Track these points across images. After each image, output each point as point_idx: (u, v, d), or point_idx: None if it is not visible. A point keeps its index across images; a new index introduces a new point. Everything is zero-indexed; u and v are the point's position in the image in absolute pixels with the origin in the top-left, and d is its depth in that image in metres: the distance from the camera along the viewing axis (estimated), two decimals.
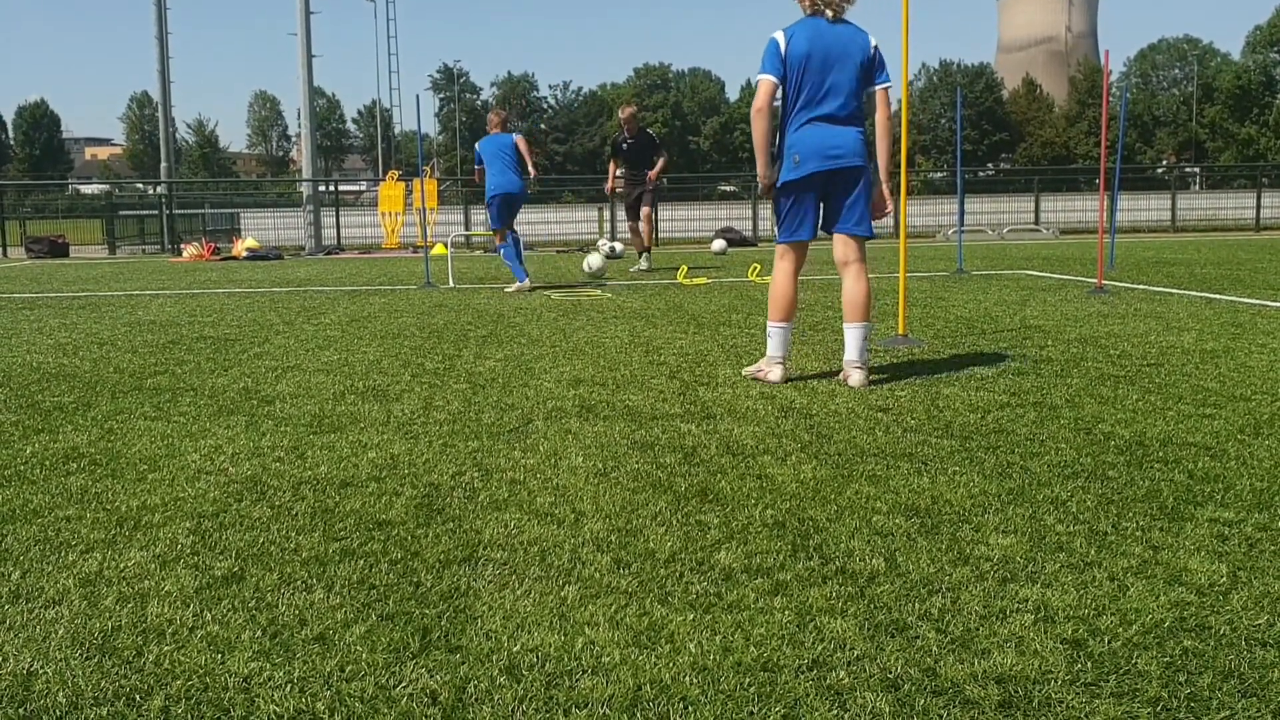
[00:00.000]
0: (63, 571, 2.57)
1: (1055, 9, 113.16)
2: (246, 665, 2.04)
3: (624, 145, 13.59)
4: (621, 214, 25.91)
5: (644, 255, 13.77)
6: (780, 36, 4.91)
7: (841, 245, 5.07)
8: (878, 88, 4.99)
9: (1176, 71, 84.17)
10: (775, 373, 5.03)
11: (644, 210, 13.64)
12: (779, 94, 4.96)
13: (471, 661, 2.03)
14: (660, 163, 13.60)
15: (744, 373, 5.23)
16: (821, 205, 5.03)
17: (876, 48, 4.97)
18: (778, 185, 5.02)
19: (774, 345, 5.07)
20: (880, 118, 5.01)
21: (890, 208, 5.17)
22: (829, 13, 4.92)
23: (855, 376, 4.87)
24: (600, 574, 2.48)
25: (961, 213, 13.37)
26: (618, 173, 13.77)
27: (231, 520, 2.96)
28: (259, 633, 2.19)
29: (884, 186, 5.09)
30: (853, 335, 4.93)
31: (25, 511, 3.07)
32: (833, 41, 4.87)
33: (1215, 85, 74.65)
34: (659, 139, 13.77)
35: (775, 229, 5.19)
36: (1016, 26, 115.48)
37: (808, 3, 4.95)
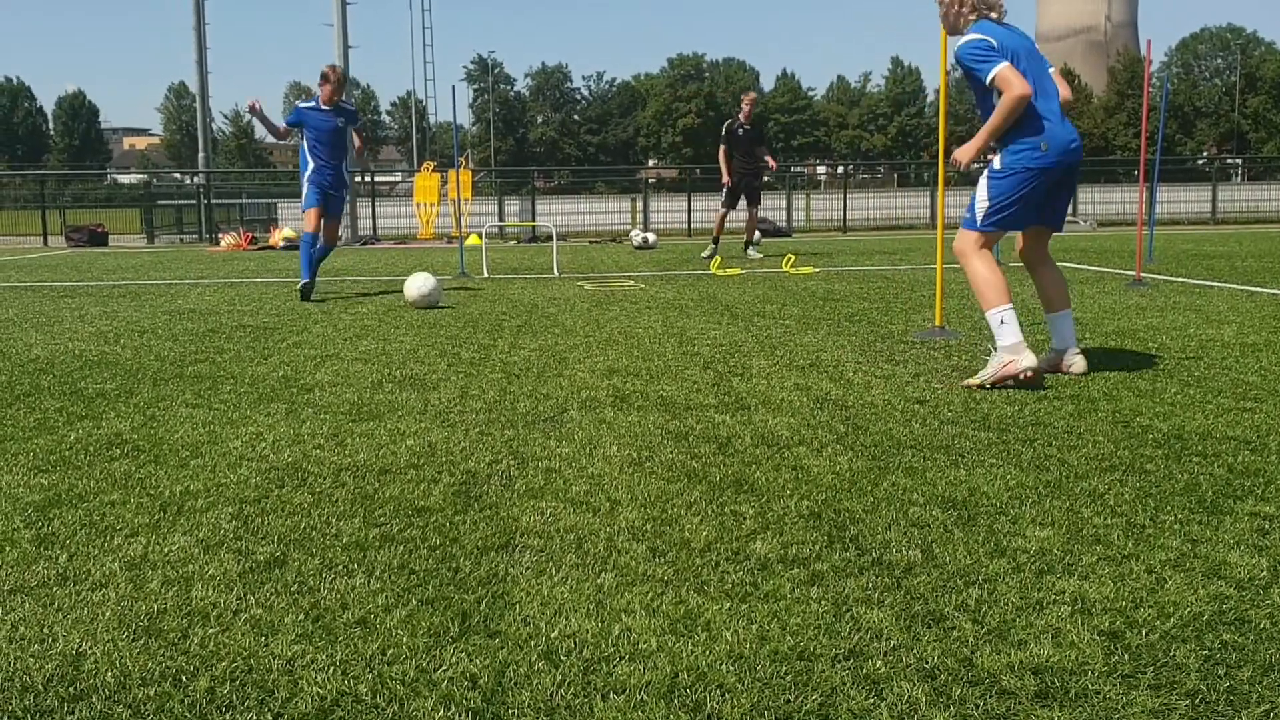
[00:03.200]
0: (108, 555, 2.61)
1: None
2: (290, 648, 2.07)
3: (739, 131, 13.75)
4: (657, 203, 25.94)
5: (750, 245, 14.22)
6: (988, 36, 4.72)
7: (1040, 237, 5.05)
8: (1052, 70, 4.89)
9: (1219, 61, 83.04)
10: (1027, 358, 4.52)
11: (754, 209, 14.10)
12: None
13: (510, 646, 2.06)
14: (768, 150, 14.18)
15: (980, 380, 4.60)
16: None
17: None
18: (1025, 169, 4.72)
19: (1010, 331, 4.61)
20: (1066, 97, 4.84)
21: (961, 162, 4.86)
22: (994, 15, 4.86)
23: (1079, 363, 4.81)
24: (636, 562, 2.50)
25: None
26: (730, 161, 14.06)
27: (273, 506, 3.00)
28: (301, 616, 2.22)
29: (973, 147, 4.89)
30: (1065, 322, 4.92)
31: (70, 496, 3.12)
32: (1020, 39, 4.82)
33: (1259, 75, 73.59)
34: (767, 123, 14.33)
35: (977, 214, 4.84)
36: (1055, 16, 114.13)
37: (972, 10, 4.85)
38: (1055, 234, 5.04)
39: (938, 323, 6.31)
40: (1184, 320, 6.64)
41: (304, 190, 9.55)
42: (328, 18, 23.17)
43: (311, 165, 9.48)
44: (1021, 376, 4.53)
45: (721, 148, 13.98)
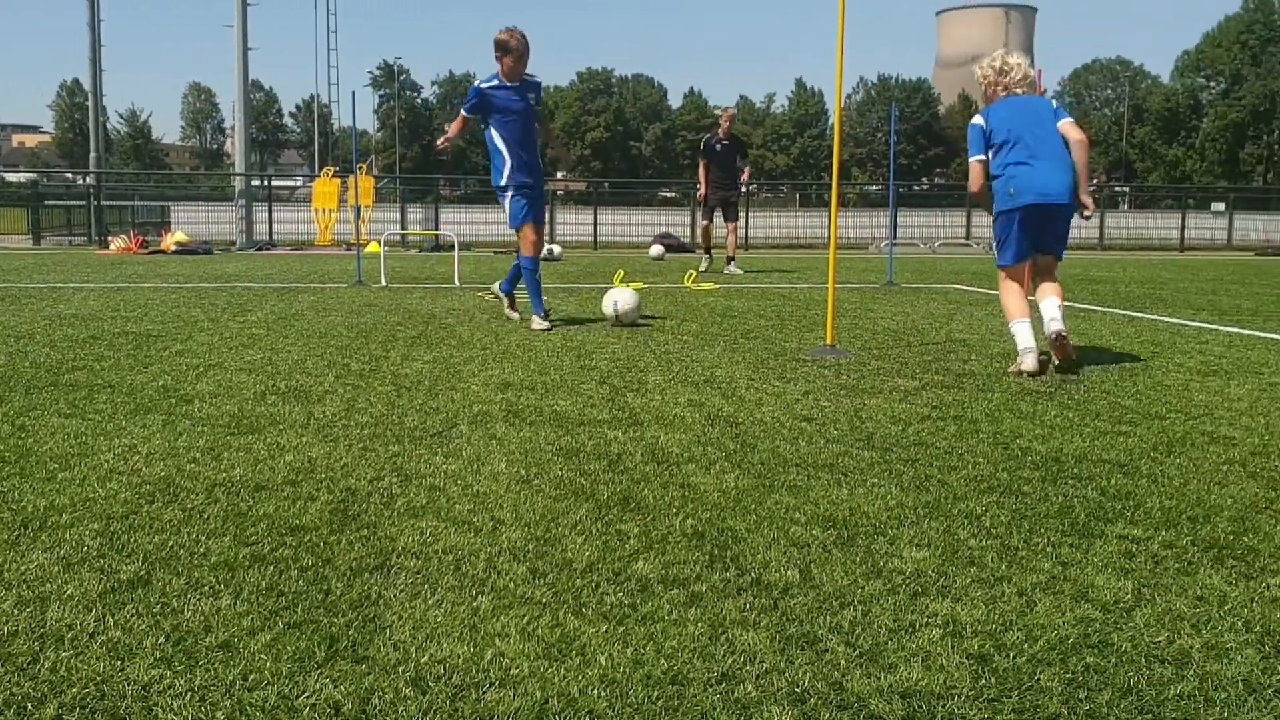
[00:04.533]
0: None
1: (993, 27, 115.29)
2: (147, 673, 1.99)
3: (717, 147, 13.98)
4: (564, 216, 25.90)
5: (731, 261, 14.47)
6: (983, 121, 5.87)
7: (1038, 262, 5.96)
8: (1063, 123, 5.77)
9: (1109, 92, 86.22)
10: (1025, 362, 5.51)
11: (732, 224, 14.38)
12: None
13: (377, 672, 2.00)
14: (747, 167, 14.51)
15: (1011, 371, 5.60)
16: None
17: (1055, 100, 6.04)
18: (1000, 212, 5.85)
19: (1018, 340, 5.63)
20: (1075, 138, 5.74)
21: (1090, 210, 5.79)
22: (1016, 91, 5.94)
23: (1055, 325, 5.62)
24: (515, 584, 2.46)
25: (894, 226, 13.53)
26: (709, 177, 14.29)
27: (141, 522, 2.89)
28: (162, 639, 2.14)
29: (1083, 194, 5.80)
30: (1051, 304, 5.75)
31: None
32: (1013, 112, 5.82)
33: (1145, 107, 76.50)
34: (744, 139, 14.72)
35: (996, 254, 6.02)
36: (955, 42, 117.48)
37: (995, 93, 5.98)
38: (1054, 258, 5.95)
39: (829, 341, 6.39)
40: None
41: (506, 200, 7.61)
42: (229, 18, 22.70)
43: (509, 162, 7.48)
44: (1015, 371, 5.51)
45: (701, 163, 14.26)
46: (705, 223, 14.61)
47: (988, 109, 5.97)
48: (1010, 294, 5.89)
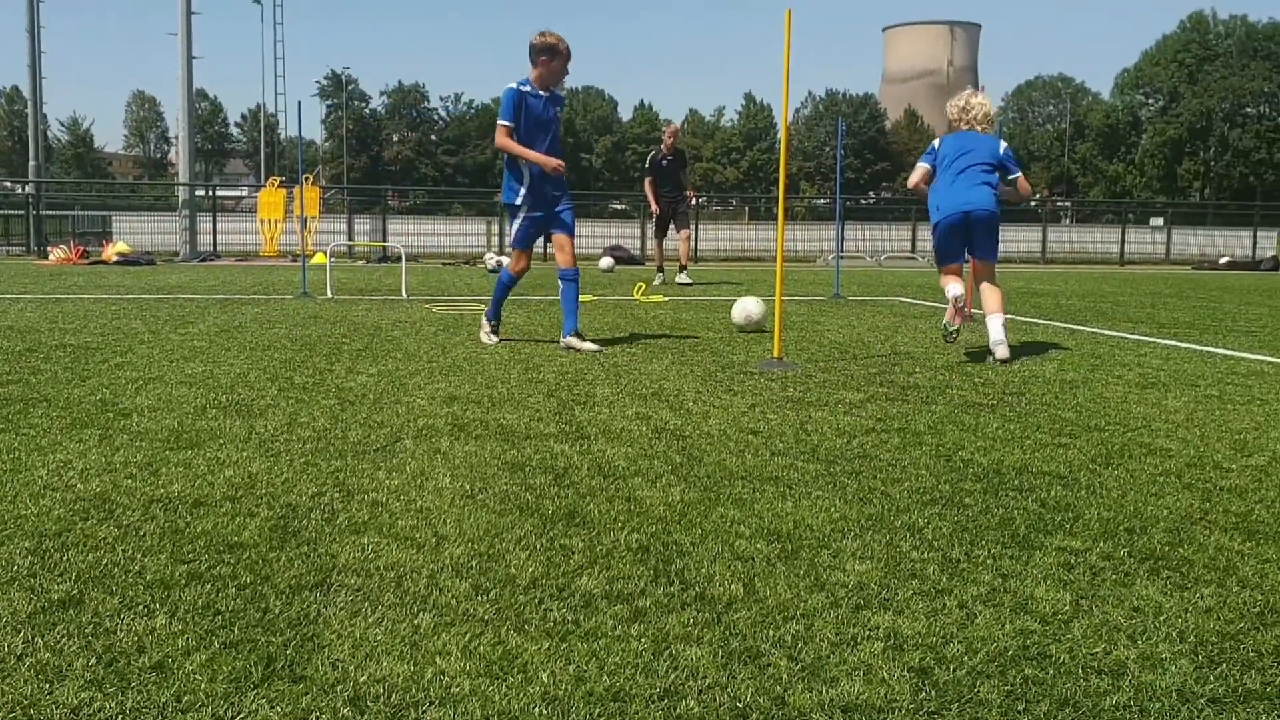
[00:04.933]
0: None
1: (938, 43, 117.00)
2: (77, 695, 1.95)
3: (663, 162, 14.29)
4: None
5: (684, 270, 14.64)
6: (938, 142, 7.11)
7: (978, 267, 7.14)
8: (1016, 177, 7.01)
9: (1051, 108, 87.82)
10: (951, 289, 6.86)
11: (684, 232, 14.56)
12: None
13: (315, 692, 1.97)
14: (689, 179, 14.90)
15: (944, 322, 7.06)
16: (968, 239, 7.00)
17: (1004, 144, 7.06)
18: (933, 225, 7.01)
19: (949, 293, 6.86)
20: (1020, 189, 7.13)
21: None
22: (976, 127, 7.05)
23: (1001, 351, 6.63)
24: (457, 601, 2.44)
25: (840, 239, 13.65)
26: (658, 191, 14.56)
27: (75, 540, 2.83)
28: (93, 660, 2.09)
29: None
30: (994, 322, 6.77)
31: None
32: (962, 144, 6.94)
33: (1087, 123, 77.91)
34: (687, 152, 15.09)
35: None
36: (901, 58, 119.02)
37: (960, 125, 7.11)
38: (988, 264, 7.10)
39: (776, 354, 6.42)
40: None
41: (515, 221, 7.15)
42: (173, 26, 22.43)
43: (527, 184, 6.98)
44: (952, 302, 6.82)
45: (647, 179, 14.53)
46: (659, 238, 14.86)
47: (945, 136, 7.18)
48: (947, 282, 6.97)
